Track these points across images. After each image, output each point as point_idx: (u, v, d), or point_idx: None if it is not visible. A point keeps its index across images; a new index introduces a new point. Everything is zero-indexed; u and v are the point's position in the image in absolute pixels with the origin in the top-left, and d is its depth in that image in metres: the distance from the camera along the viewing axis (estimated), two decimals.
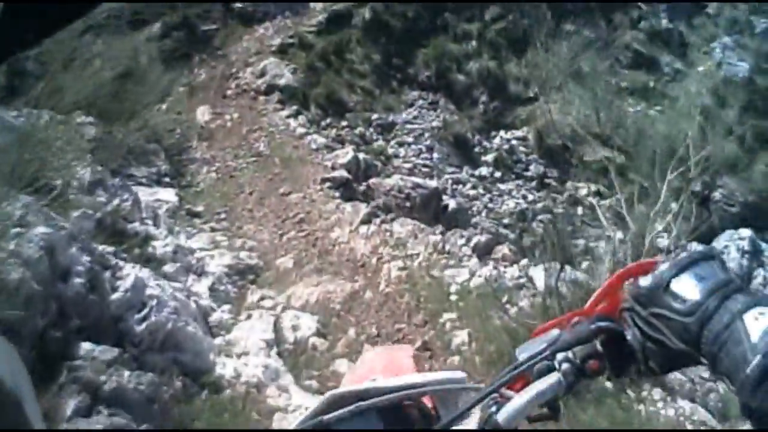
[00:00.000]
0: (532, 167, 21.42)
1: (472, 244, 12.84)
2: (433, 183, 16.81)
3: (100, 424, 4.68)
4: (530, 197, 20.20)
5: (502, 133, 22.08)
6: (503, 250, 13.17)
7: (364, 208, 12.64)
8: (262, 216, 12.91)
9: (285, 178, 14.22)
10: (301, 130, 16.48)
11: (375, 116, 18.88)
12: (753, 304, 1.01)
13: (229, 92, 18.47)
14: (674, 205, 22.20)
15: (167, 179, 15.23)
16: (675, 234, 21.57)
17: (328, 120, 17.69)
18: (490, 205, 19.02)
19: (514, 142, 21.83)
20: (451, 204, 16.56)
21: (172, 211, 13.55)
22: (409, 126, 19.27)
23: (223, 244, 11.60)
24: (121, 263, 6.52)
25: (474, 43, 23.12)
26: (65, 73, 17.83)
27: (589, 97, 24.30)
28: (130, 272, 6.28)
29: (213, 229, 12.49)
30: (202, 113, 18.21)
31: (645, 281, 1.12)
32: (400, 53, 21.23)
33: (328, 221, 12.16)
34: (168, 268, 8.88)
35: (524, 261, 12.46)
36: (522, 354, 1.19)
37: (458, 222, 16.38)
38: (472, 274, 10.71)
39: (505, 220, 18.80)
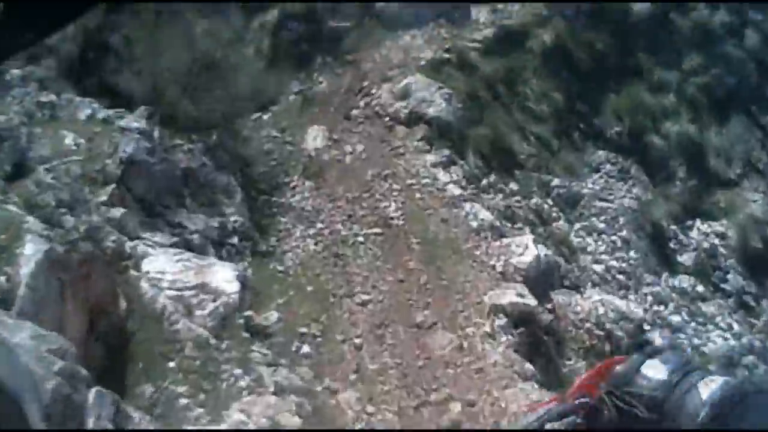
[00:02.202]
0: (730, 277, 13.70)
1: None
2: (636, 309, 9.52)
3: None
4: (735, 327, 12.59)
5: (699, 222, 14.39)
6: None
7: None
8: (377, 372, 5.84)
9: (427, 284, 7.18)
10: (454, 191, 9.32)
11: (555, 181, 11.56)
12: (705, 375, 1.15)
13: (355, 113, 11.65)
14: None
15: (235, 240, 8.41)
16: None
17: (492, 178, 10.49)
18: (696, 341, 11.49)
19: (714, 240, 14.18)
20: (656, 339, 9.36)
21: (222, 318, 6.72)
22: (598, 203, 11.83)
23: None
24: None
25: (672, 97, 15.43)
26: (149, 56, 11.54)
27: None
28: None
29: (280, 389, 5.67)
30: (315, 136, 11.45)
31: (620, 368, 1.23)
32: (584, 96, 13.84)
33: None
34: None
35: None
36: (519, 424, 1.35)
37: None
38: None
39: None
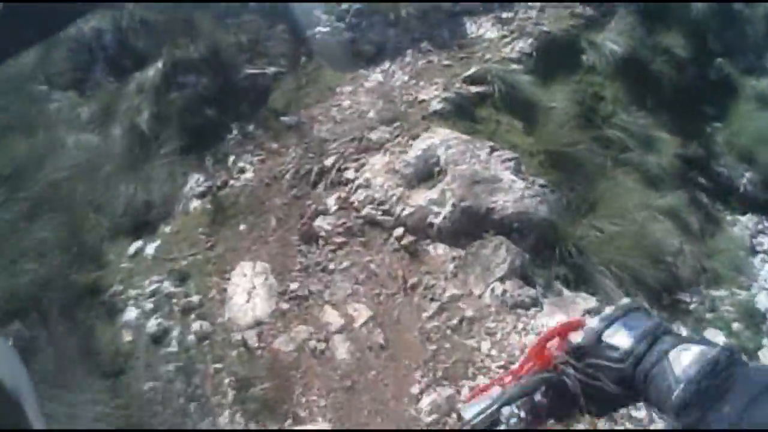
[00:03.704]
0: None
1: None
2: None
3: None
4: None
5: None
6: None
7: None
8: None
9: None
10: None
11: (759, 299, 5.58)
12: (677, 342, 0.99)
13: (323, 225, 5.38)
14: None
15: None
16: None
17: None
18: None
19: None
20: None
21: None
22: None
23: None
24: None
25: None
26: None
27: None
28: None
29: None
30: (249, 289, 5.10)
31: (578, 337, 1.07)
32: (686, 131, 8.07)
33: None
34: None
35: None
36: (467, 412, 1.10)
37: None
38: None
39: None
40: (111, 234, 6.77)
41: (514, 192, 4.84)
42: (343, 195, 5.56)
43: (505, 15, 8.73)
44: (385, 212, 5.10)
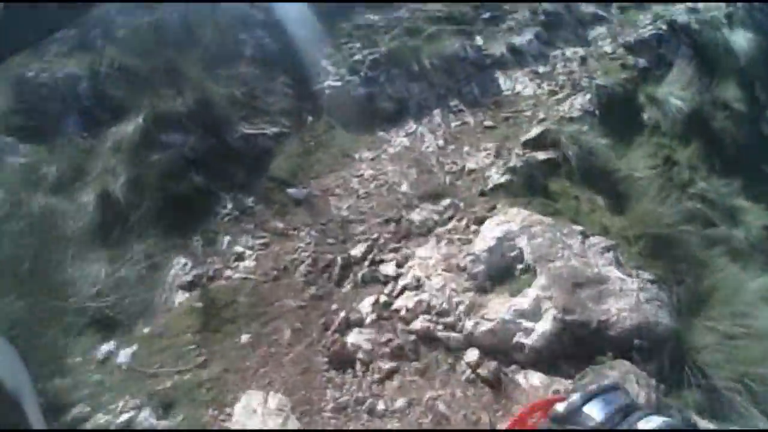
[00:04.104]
0: None
1: None
2: None
3: None
4: None
5: None
6: None
7: None
8: None
9: None
10: None
11: None
12: (645, 416, 1.14)
13: (361, 344, 3.91)
14: None
15: None
16: None
17: None
18: None
19: None
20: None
21: None
22: None
23: None
24: None
25: None
26: None
27: None
28: None
29: None
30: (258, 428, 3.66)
31: (561, 406, 1.20)
32: (759, 196, 6.98)
33: None
34: None
35: None
36: None
37: None
38: None
39: None
40: (75, 329, 5.28)
41: (627, 295, 3.50)
42: (383, 299, 4.16)
43: (541, 69, 7.67)
44: (448, 326, 3.71)
